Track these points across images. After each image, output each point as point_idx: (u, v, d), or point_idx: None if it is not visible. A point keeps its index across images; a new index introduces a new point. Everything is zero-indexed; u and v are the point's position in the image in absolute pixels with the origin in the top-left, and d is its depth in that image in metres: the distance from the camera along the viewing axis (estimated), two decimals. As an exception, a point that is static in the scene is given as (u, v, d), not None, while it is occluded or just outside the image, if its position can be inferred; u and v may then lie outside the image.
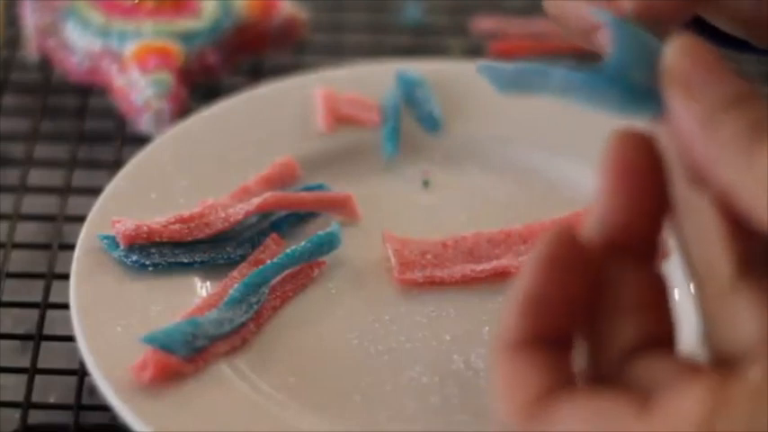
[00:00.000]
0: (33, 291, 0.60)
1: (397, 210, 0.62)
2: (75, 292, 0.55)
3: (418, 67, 0.67)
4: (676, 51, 0.41)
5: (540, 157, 0.63)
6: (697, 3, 0.46)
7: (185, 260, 0.57)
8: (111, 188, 0.60)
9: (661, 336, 0.40)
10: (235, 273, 0.57)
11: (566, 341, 0.40)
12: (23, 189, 0.66)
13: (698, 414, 0.36)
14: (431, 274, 0.58)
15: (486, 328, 0.56)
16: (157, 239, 0.57)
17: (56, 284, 0.60)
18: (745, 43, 0.50)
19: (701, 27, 0.50)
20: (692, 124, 0.40)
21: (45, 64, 0.73)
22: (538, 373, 0.39)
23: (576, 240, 0.41)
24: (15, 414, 0.55)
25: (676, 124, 0.40)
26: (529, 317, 0.40)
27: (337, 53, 0.75)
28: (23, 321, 0.60)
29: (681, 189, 0.41)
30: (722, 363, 0.39)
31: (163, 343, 0.52)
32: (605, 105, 0.42)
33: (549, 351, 0.40)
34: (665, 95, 0.41)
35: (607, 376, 0.40)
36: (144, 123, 0.67)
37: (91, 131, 0.70)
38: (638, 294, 0.40)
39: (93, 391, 0.54)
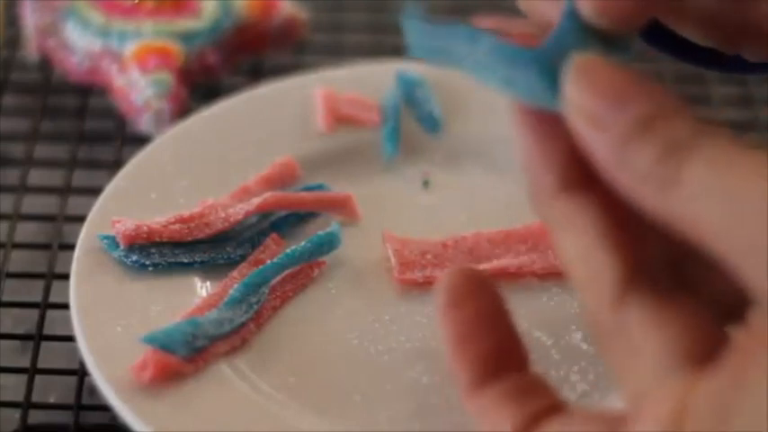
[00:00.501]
0: (33, 291, 0.60)
1: (397, 210, 0.62)
2: (75, 292, 0.55)
3: (418, 67, 0.67)
4: (575, 77, 0.39)
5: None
6: (657, 3, 0.43)
7: (185, 260, 0.57)
8: (111, 188, 0.60)
9: None
10: (235, 273, 0.57)
11: (515, 361, 0.42)
12: (23, 189, 0.66)
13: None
14: (431, 274, 0.58)
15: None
16: (157, 239, 0.57)
17: (56, 284, 0.60)
18: (709, 54, 0.48)
19: (662, 36, 0.48)
20: (604, 156, 0.38)
21: (45, 64, 0.73)
22: (505, 413, 0.41)
23: (469, 274, 0.42)
24: (15, 414, 0.56)
25: (588, 151, 0.38)
26: (465, 361, 0.41)
27: (337, 53, 0.75)
28: (23, 321, 0.60)
29: (547, 204, 0.40)
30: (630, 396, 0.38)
31: (163, 343, 0.52)
32: (521, 89, 0.40)
33: (507, 379, 0.41)
34: (570, 125, 0.38)
35: None
36: (144, 123, 0.67)
37: (91, 131, 0.70)
38: None
39: (93, 391, 0.54)
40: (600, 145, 0.38)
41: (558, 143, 0.40)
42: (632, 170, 0.37)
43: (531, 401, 0.41)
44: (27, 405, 0.56)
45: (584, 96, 0.38)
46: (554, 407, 0.41)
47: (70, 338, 0.54)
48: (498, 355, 0.42)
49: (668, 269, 0.39)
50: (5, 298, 0.60)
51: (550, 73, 0.39)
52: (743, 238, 0.35)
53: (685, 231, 0.37)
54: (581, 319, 0.55)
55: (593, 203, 0.39)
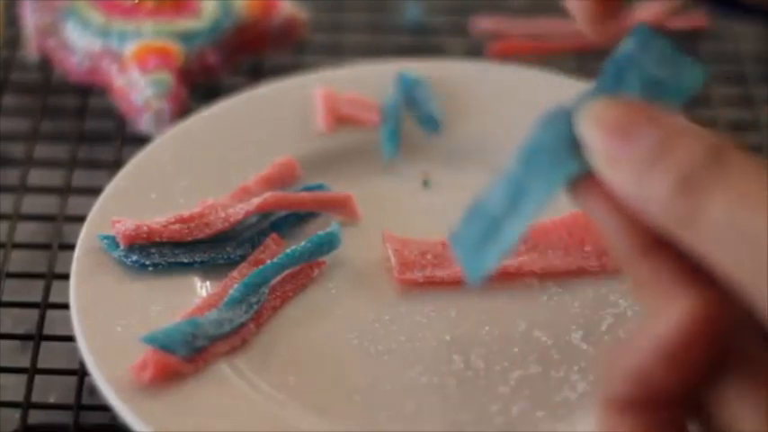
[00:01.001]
0: (33, 291, 0.60)
1: (397, 210, 0.62)
2: (75, 292, 0.55)
3: (418, 67, 0.67)
4: (588, 124, 0.39)
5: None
6: None
7: (185, 260, 0.57)
8: (111, 188, 0.60)
9: None
10: (235, 273, 0.57)
11: (678, 403, 0.39)
12: (23, 189, 0.66)
13: None
14: (431, 274, 0.58)
15: (486, 328, 0.56)
16: (157, 239, 0.57)
17: (56, 284, 0.60)
18: (755, 8, 0.48)
19: None
20: (628, 194, 0.38)
21: (45, 64, 0.73)
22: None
23: (718, 329, 0.38)
24: (15, 414, 0.56)
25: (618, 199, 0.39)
26: (638, 389, 0.38)
27: (337, 53, 0.75)
28: (23, 321, 0.60)
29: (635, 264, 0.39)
30: None
31: (163, 343, 0.52)
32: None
33: (655, 413, 0.39)
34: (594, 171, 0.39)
35: None
36: (144, 123, 0.67)
37: (91, 131, 0.70)
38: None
39: (93, 391, 0.54)
40: (622, 184, 0.38)
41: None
42: (654, 203, 0.38)
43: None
44: (27, 405, 0.56)
45: (595, 139, 0.39)
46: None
47: (70, 338, 0.54)
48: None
49: None
50: (5, 298, 0.60)
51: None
52: (759, 279, 0.36)
53: (710, 264, 0.37)
54: (581, 319, 0.56)
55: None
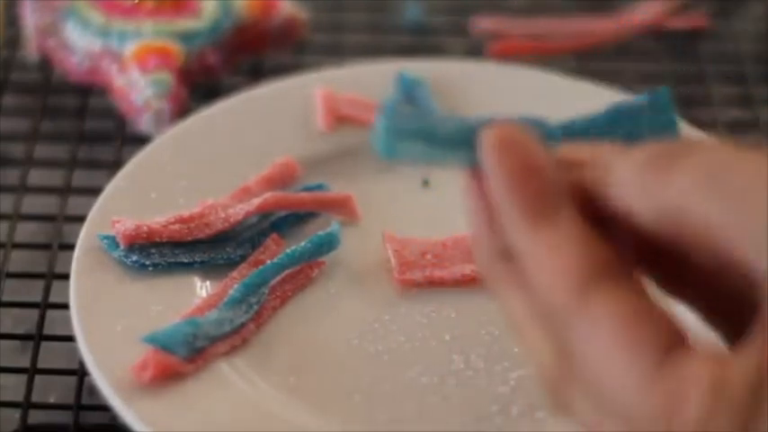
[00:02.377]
0: (33, 291, 0.60)
1: (397, 210, 0.62)
2: (75, 292, 0.55)
3: (418, 67, 0.67)
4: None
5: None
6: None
7: (185, 260, 0.57)
8: (111, 188, 0.60)
9: None
10: (235, 273, 0.57)
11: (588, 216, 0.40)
12: (23, 189, 0.66)
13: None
14: (431, 274, 0.58)
15: (487, 328, 0.56)
16: (157, 239, 0.57)
17: (56, 284, 0.60)
18: None
19: None
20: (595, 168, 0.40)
21: (45, 64, 0.73)
22: (580, 243, 0.39)
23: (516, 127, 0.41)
24: (15, 414, 0.56)
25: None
26: (526, 191, 0.40)
27: (337, 53, 0.75)
28: (23, 321, 0.60)
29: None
30: None
31: (163, 343, 0.52)
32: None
33: (576, 223, 0.39)
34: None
35: None
36: (144, 123, 0.67)
37: (91, 131, 0.70)
38: None
39: (93, 391, 0.54)
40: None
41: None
42: (619, 176, 0.39)
43: (595, 246, 0.39)
44: (27, 405, 0.56)
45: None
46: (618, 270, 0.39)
47: (70, 338, 0.54)
48: (558, 193, 0.40)
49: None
50: (5, 298, 0.60)
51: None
52: (742, 225, 0.36)
53: (676, 227, 0.38)
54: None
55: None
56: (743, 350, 0.37)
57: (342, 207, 0.61)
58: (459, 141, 0.42)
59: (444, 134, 0.43)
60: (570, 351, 0.39)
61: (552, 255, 0.39)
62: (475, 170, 0.42)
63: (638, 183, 0.39)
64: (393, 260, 0.58)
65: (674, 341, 0.37)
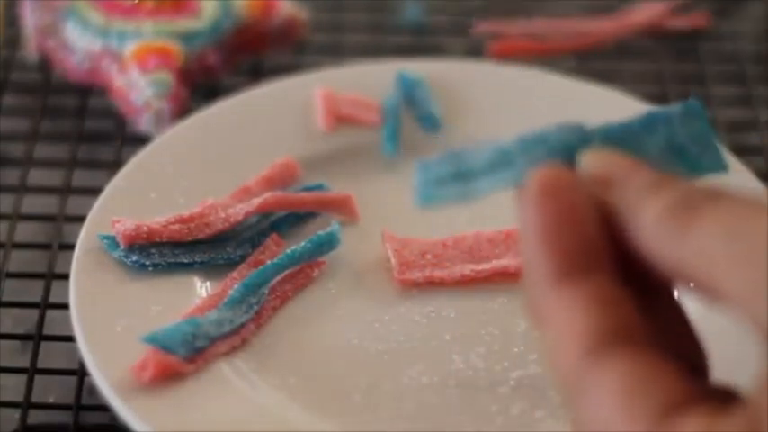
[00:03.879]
0: (33, 291, 0.60)
1: (397, 210, 0.62)
2: (74, 292, 0.55)
3: (418, 67, 0.67)
4: (591, 159, 0.42)
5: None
6: None
7: (185, 260, 0.57)
8: (111, 188, 0.60)
9: None
10: (234, 273, 0.57)
11: (611, 271, 0.40)
12: (23, 189, 0.66)
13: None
14: (431, 274, 0.58)
15: (487, 328, 0.56)
16: (157, 239, 0.57)
17: (56, 284, 0.60)
18: None
19: None
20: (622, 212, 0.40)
21: (45, 64, 0.73)
22: (591, 310, 0.39)
23: (568, 175, 0.41)
24: (15, 414, 0.56)
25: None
26: (556, 247, 0.40)
27: (337, 53, 0.75)
28: (23, 321, 0.60)
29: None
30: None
31: (163, 343, 0.52)
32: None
33: (596, 284, 0.39)
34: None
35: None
36: (144, 123, 0.67)
37: (91, 131, 0.70)
38: None
39: (93, 391, 0.54)
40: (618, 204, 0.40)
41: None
42: (641, 226, 0.40)
43: (615, 312, 0.39)
44: (27, 405, 0.56)
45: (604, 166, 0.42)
46: (635, 334, 0.39)
47: (70, 338, 0.54)
48: (591, 252, 0.40)
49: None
50: (5, 298, 0.60)
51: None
52: (747, 280, 0.37)
53: (693, 277, 0.38)
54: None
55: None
56: (740, 411, 0.37)
57: (342, 207, 0.61)
58: (497, 166, 0.43)
59: (480, 166, 0.44)
60: (577, 417, 0.39)
61: (566, 317, 0.39)
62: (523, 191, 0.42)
63: (659, 234, 0.39)
64: (393, 260, 0.58)
65: (676, 402, 0.37)
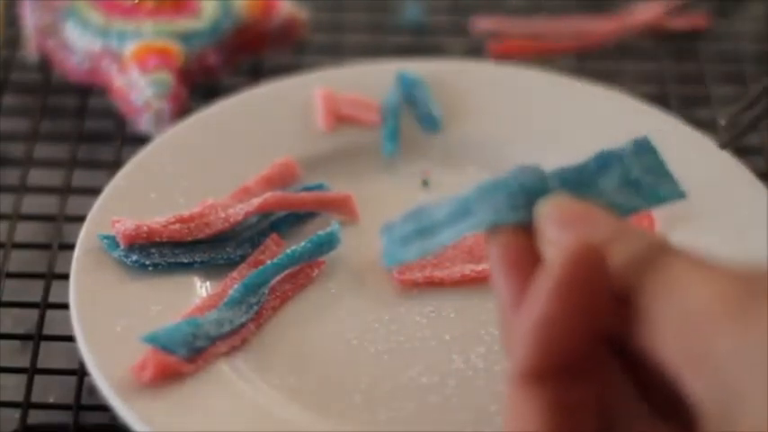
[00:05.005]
0: (33, 291, 0.60)
1: (397, 210, 0.61)
2: (74, 292, 0.55)
3: (418, 67, 0.68)
4: (543, 216, 0.42)
5: (539, 157, 0.63)
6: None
7: (185, 260, 0.57)
8: (110, 188, 0.60)
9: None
10: (235, 273, 0.57)
11: (585, 369, 0.40)
12: (23, 189, 0.66)
13: None
14: (431, 274, 0.58)
15: (486, 328, 0.56)
16: (157, 239, 0.57)
17: (56, 284, 0.60)
18: None
19: None
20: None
21: (45, 64, 0.73)
22: (545, 419, 0.39)
23: (602, 261, 0.39)
24: (15, 414, 0.56)
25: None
26: (544, 347, 0.39)
27: (337, 53, 0.75)
28: (23, 321, 0.60)
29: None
30: None
31: (163, 343, 0.52)
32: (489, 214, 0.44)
33: (563, 387, 0.39)
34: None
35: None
36: (144, 123, 0.67)
37: (91, 131, 0.70)
38: None
39: (93, 391, 0.54)
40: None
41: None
42: (660, 327, 0.39)
43: (569, 418, 0.39)
44: (27, 405, 0.56)
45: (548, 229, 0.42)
46: None
47: (70, 338, 0.54)
48: (574, 351, 0.39)
49: None
50: (5, 298, 0.60)
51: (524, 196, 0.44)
52: (683, 347, 0.37)
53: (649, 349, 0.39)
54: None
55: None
56: None
57: (342, 207, 0.61)
58: (457, 216, 0.45)
59: (442, 218, 0.45)
60: None
61: (516, 418, 0.39)
62: (494, 236, 0.43)
63: (683, 352, 0.38)
64: (393, 260, 0.58)
65: None
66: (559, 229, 0.41)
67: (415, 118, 0.66)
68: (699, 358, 0.37)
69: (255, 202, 0.59)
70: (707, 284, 0.37)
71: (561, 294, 0.39)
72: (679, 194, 0.45)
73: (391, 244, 0.46)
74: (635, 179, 0.44)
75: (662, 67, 0.75)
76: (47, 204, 0.65)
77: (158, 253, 0.57)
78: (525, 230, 0.42)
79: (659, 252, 0.39)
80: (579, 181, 0.44)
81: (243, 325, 0.55)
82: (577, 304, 0.39)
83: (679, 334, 0.37)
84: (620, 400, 0.40)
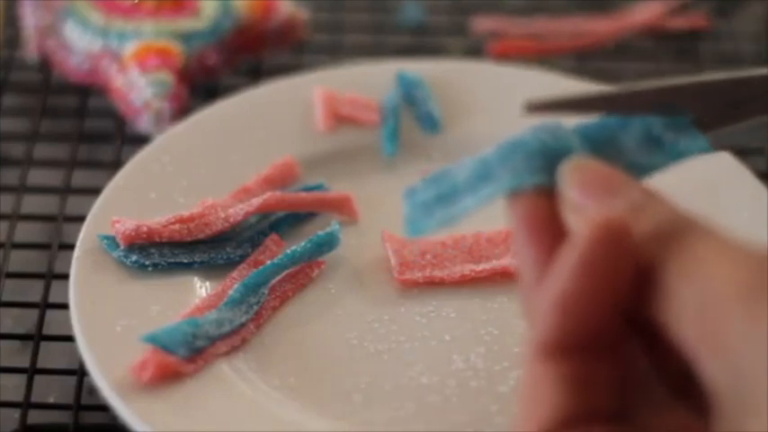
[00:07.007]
0: (33, 291, 0.60)
1: (397, 210, 0.61)
2: (74, 291, 0.55)
3: (418, 67, 0.68)
4: (568, 178, 0.41)
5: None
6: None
7: (185, 260, 0.57)
8: (110, 188, 0.60)
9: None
10: (234, 273, 0.57)
11: (605, 345, 0.39)
12: (23, 189, 0.66)
13: None
14: (431, 274, 0.58)
15: (486, 328, 0.56)
16: (157, 239, 0.57)
17: (55, 284, 0.60)
18: None
19: None
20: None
21: (45, 64, 0.73)
22: (562, 394, 0.38)
23: (627, 237, 0.38)
24: (15, 414, 0.56)
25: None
26: (566, 322, 0.38)
27: (337, 53, 0.75)
28: (23, 321, 0.60)
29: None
30: None
31: (163, 343, 0.52)
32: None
33: (581, 363, 0.39)
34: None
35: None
36: (144, 123, 0.67)
37: (91, 131, 0.70)
38: None
39: (93, 391, 0.54)
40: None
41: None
42: (683, 314, 0.38)
43: (579, 401, 0.39)
44: (27, 405, 0.56)
45: (572, 192, 0.41)
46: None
47: (70, 338, 0.54)
48: (596, 329, 0.39)
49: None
50: (5, 298, 0.60)
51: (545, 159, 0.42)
52: (701, 329, 0.37)
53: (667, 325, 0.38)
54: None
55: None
56: None
57: (341, 207, 0.61)
58: (479, 180, 0.43)
59: (463, 182, 0.44)
60: None
61: (533, 392, 0.39)
62: (516, 201, 0.41)
63: (701, 333, 0.37)
64: (393, 260, 0.58)
65: None
66: (583, 196, 0.40)
67: (415, 118, 0.66)
68: (714, 341, 0.36)
69: (255, 202, 0.59)
70: (731, 269, 0.37)
71: (585, 270, 0.38)
72: (701, 148, 0.43)
73: (413, 211, 0.45)
74: (656, 135, 0.43)
75: (662, 68, 0.75)
76: (47, 204, 0.65)
77: (158, 253, 0.57)
78: (548, 193, 0.41)
79: (685, 228, 0.38)
80: (600, 138, 0.43)
81: (243, 325, 0.55)
82: (601, 281, 0.38)
83: (698, 316, 0.37)
84: (638, 379, 0.40)
